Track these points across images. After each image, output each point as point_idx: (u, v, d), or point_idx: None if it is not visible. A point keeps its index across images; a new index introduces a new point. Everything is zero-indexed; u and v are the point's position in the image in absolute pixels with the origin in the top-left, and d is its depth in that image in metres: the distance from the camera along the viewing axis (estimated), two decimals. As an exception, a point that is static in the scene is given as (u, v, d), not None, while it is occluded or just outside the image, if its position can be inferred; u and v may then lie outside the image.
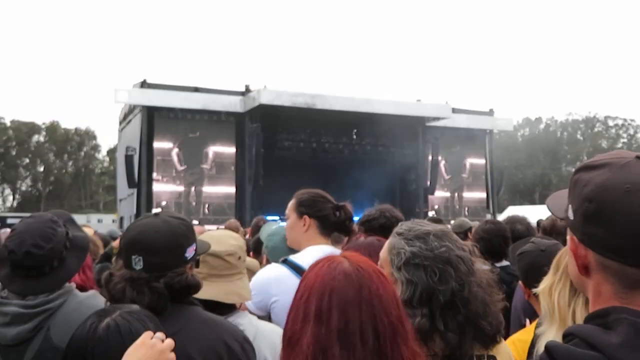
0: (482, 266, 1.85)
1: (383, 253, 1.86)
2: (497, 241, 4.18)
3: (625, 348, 0.96)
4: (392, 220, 3.42)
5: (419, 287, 1.68)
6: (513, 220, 4.80)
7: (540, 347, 1.36)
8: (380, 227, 3.52)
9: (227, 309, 2.36)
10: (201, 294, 2.14)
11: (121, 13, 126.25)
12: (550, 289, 2.02)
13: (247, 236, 6.25)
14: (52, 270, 2.32)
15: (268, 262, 3.49)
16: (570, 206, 1.12)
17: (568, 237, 1.14)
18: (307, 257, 2.79)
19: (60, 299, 2.37)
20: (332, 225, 3.15)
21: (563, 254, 2.04)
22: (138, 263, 1.95)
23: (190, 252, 2.04)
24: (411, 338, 1.30)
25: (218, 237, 2.48)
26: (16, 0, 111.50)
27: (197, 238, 2.16)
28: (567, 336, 1.06)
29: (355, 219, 3.42)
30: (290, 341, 1.27)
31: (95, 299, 2.43)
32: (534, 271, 2.41)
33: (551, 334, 1.93)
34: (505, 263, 4.14)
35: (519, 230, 4.48)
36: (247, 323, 2.34)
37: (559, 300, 1.97)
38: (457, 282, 1.70)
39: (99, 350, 1.29)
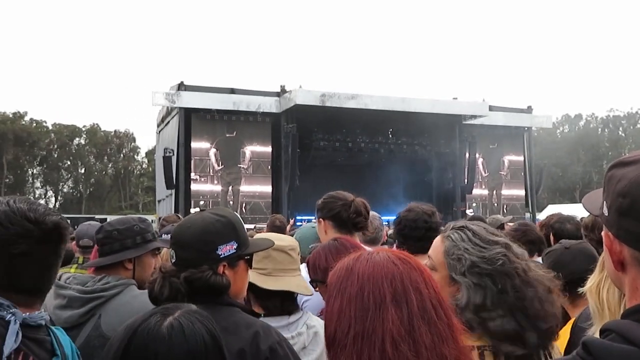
0: (538, 271, 1.85)
1: (437, 255, 1.87)
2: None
3: None
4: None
5: (488, 291, 1.73)
6: (562, 219, 4.74)
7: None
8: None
9: (293, 306, 2.40)
10: (272, 286, 2.21)
11: (159, 17, 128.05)
12: (597, 286, 1.98)
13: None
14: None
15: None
16: (604, 202, 1.12)
17: (603, 233, 1.14)
18: None
19: (115, 290, 2.51)
20: (345, 222, 3.19)
21: None
22: (172, 257, 1.97)
23: (225, 250, 1.96)
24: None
25: (275, 235, 2.55)
26: (58, 7, 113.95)
27: (254, 237, 2.14)
28: (604, 332, 1.06)
29: (390, 218, 3.43)
30: (359, 334, 1.27)
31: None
32: (558, 267, 2.42)
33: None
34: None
35: (569, 229, 4.42)
36: (318, 324, 2.36)
37: (608, 298, 1.92)
38: (513, 292, 1.74)
39: (162, 349, 1.31)
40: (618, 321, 1.06)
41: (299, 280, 2.43)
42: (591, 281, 2.03)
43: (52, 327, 1.70)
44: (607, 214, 1.11)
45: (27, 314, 1.56)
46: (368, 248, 3.11)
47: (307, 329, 2.34)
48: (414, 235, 3.17)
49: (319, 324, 2.34)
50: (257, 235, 2.40)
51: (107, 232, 2.74)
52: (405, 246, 3.11)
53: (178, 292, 1.86)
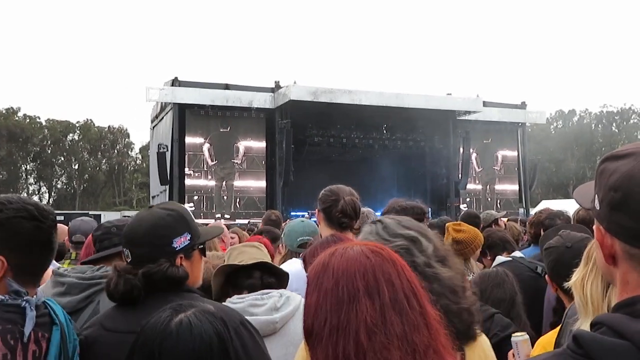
0: (443, 269, 1.89)
1: None
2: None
3: None
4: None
5: None
6: (553, 215, 4.76)
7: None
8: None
9: (272, 280, 2.62)
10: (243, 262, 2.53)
11: (152, 12, 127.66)
12: (582, 281, 1.99)
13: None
14: None
15: (287, 252, 3.61)
16: (596, 196, 1.12)
17: (595, 227, 1.14)
18: None
19: None
20: (332, 219, 3.23)
21: (593, 245, 2.02)
22: (128, 256, 2.00)
23: (179, 243, 2.01)
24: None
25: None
26: (52, 3, 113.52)
27: (203, 227, 2.22)
28: (595, 325, 1.06)
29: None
30: (334, 327, 1.31)
31: None
32: (560, 268, 2.42)
33: (586, 327, 1.91)
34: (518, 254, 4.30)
35: (559, 225, 4.45)
36: (293, 294, 2.56)
37: (592, 292, 1.94)
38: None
39: (167, 344, 1.31)
40: (609, 314, 1.07)
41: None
42: (576, 275, 2.05)
43: (46, 300, 1.86)
44: (598, 208, 1.11)
45: (35, 297, 1.78)
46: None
47: (280, 296, 2.51)
48: None
49: (293, 295, 2.55)
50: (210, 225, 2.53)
51: (105, 229, 2.89)
52: None
53: (134, 288, 1.90)
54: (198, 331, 1.34)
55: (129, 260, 1.99)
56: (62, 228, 4.90)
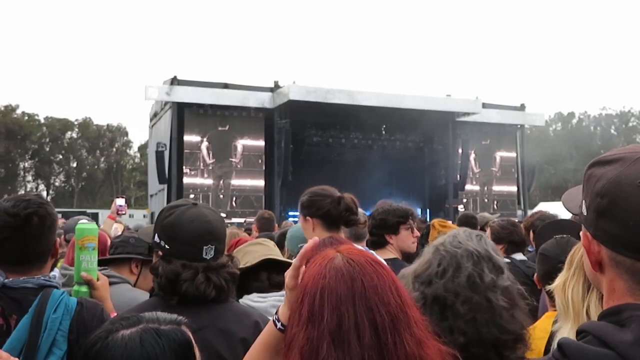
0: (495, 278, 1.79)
1: None
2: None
3: (638, 345, 0.95)
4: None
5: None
6: (544, 217, 4.75)
7: (555, 344, 1.36)
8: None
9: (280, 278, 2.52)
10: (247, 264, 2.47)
11: (152, 11, 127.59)
12: (564, 285, 1.99)
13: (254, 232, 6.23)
14: None
15: (289, 257, 3.56)
16: (584, 202, 1.11)
17: (582, 233, 1.13)
18: None
19: (113, 279, 2.79)
20: (336, 220, 3.16)
21: (576, 249, 2.02)
22: (209, 252, 1.99)
23: None
24: (418, 325, 1.24)
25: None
26: (51, 0, 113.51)
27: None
28: (581, 333, 1.05)
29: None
30: (288, 345, 1.25)
31: (142, 295, 2.83)
32: (549, 278, 2.39)
33: (566, 330, 1.91)
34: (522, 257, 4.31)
35: (554, 220, 4.44)
36: None
37: (573, 296, 1.94)
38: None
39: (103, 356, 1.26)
40: (594, 323, 1.06)
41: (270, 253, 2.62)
42: (558, 279, 2.05)
43: (61, 295, 2.02)
44: (585, 214, 1.10)
45: (11, 279, 2.01)
46: (355, 245, 3.12)
47: None
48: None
49: None
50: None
51: (125, 238, 3.09)
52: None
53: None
54: (151, 348, 1.26)
55: (209, 257, 1.98)
56: None
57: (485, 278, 1.68)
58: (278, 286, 2.47)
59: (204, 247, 1.97)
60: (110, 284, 2.65)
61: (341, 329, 1.17)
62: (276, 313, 1.44)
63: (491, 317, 1.64)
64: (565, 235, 2.86)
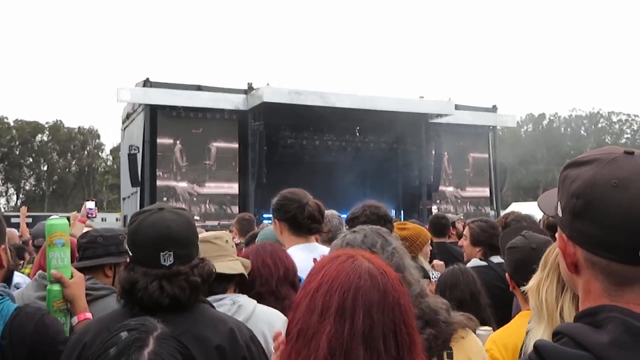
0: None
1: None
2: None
3: (614, 347, 0.95)
4: (372, 217, 3.42)
5: None
6: (519, 218, 4.78)
7: (530, 345, 1.35)
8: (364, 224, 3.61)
9: (220, 289, 2.43)
10: None
11: (124, 12, 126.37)
12: (538, 286, 2.00)
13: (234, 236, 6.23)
14: None
15: None
16: (559, 203, 1.10)
17: (557, 235, 1.13)
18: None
19: (103, 292, 2.68)
20: (302, 225, 3.16)
21: (551, 250, 2.03)
22: (168, 259, 1.92)
23: None
24: (421, 352, 1.28)
25: (205, 234, 2.61)
26: (19, 1, 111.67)
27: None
28: (557, 335, 1.05)
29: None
30: (302, 333, 1.24)
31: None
32: (523, 269, 2.40)
33: (539, 331, 1.92)
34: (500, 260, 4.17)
35: (517, 226, 4.45)
36: (245, 301, 2.43)
37: (547, 297, 1.95)
38: None
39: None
40: (570, 324, 1.05)
41: (225, 264, 2.46)
42: (533, 280, 2.06)
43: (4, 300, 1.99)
44: (561, 215, 1.09)
45: None
46: (325, 248, 3.12)
47: (232, 304, 2.39)
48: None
49: (245, 301, 2.42)
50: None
51: (91, 237, 2.85)
52: None
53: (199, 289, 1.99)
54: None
55: (168, 263, 1.90)
56: (11, 232, 5.17)
57: None
58: (214, 292, 2.41)
59: (161, 253, 1.91)
60: (100, 297, 2.61)
61: (372, 335, 1.18)
62: None
63: None
64: (527, 230, 2.89)
